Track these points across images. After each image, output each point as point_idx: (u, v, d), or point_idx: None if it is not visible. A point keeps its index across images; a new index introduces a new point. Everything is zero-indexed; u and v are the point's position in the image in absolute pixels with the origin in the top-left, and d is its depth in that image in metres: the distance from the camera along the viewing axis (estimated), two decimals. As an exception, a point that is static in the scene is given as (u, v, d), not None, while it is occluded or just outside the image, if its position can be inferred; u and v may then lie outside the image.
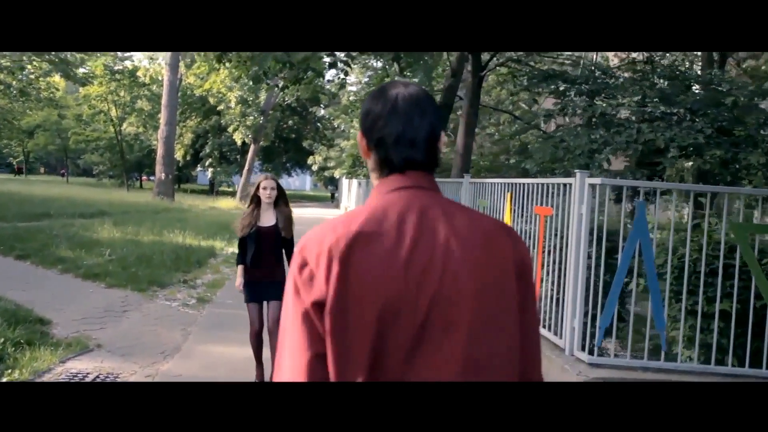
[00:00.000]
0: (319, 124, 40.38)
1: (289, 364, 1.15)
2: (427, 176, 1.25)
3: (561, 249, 4.87)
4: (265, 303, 4.76)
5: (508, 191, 6.12)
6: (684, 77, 9.13)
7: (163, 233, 13.17)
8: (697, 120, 7.59)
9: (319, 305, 1.14)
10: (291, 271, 1.20)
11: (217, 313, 7.19)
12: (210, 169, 37.37)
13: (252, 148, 31.05)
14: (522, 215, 5.98)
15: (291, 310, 1.17)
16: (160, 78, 32.57)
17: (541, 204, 5.45)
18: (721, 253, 4.24)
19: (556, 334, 4.90)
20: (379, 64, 18.33)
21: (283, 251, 4.74)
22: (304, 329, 1.14)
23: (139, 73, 34.20)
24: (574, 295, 4.53)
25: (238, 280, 4.83)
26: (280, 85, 30.49)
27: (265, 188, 4.66)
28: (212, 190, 40.49)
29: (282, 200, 4.70)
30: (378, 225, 1.16)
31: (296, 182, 62.18)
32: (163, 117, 25.29)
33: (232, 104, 30.38)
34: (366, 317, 1.12)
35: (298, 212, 25.94)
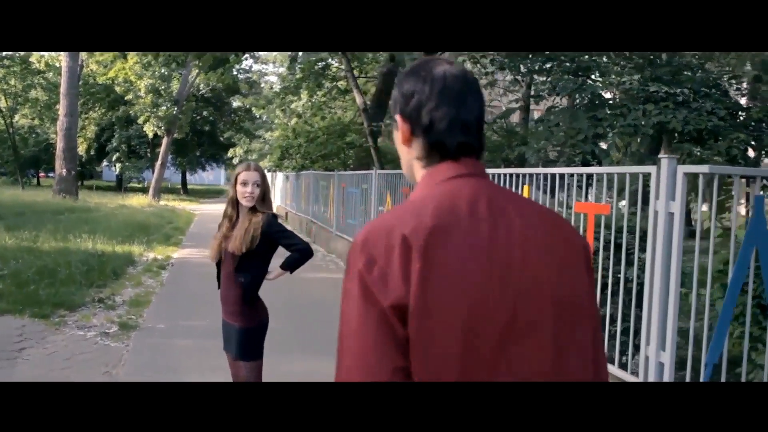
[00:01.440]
0: (234, 116, 38.22)
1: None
2: (480, 163, 1.15)
3: (626, 258, 3.71)
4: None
5: (525, 183, 4.92)
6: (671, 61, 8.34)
7: (68, 239, 11.14)
8: (699, 100, 6.74)
9: (398, 308, 1.00)
10: (353, 271, 1.02)
11: (149, 345, 5.59)
12: (117, 164, 34.43)
13: (165, 140, 28.60)
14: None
15: (360, 316, 1.01)
16: (57, 65, 29.46)
17: (581, 199, 4.30)
18: None
19: (623, 368, 3.76)
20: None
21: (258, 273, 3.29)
22: (380, 338, 0.99)
23: (32, 59, 30.84)
24: (662, 320, 3.38)
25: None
26: (194, 73, 28.31)
27: (245, 183, 3.16)
28: (120, 186, 37.47)
29: (266, 202, 3.24)
30: (451, 217, 1.04)
31: (210, 176, 59.13)
32: (62, 107, 22.58)
33: (142, 93, 27.81)
34: (452, 319, 1.00)
35: (220, 209, 24.22)
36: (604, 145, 6.75)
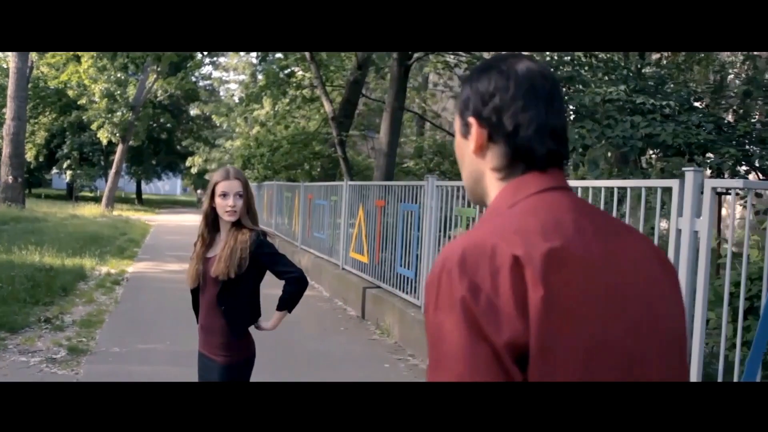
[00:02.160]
0: (192, 124, 37.26)
1: None
2: (564, 175, 1.01)
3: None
4: None
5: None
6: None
7: (12, 251, 10.34)
8: (684, 114, 6.56)
9: (514, 347, 0.83)
10: (451, 299, 0.85)
11: (102, 373, 5.02)
12: (68, 172, 32.99)
13: (120, 148, 27.56)
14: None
15: (468, 359, 0.83)
16: (4, 65, 28.17)
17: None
18: None
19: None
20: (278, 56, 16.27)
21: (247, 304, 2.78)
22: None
23: (-25, 60, 29.50)
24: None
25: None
26: (152, 78, 27.46)
27: (225, 195, 2.65)
28: (71, 195, 36.01)
29: (251, 216, 2.75)
30: (561, 237, 0.89)
31: (166, 186, 57.51)
32: (9, 111, 21.44)
33: (97, 98, 26.73)
34: (575, 358, 0.86)
35: (177, 219, 23.16)
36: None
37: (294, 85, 16.95)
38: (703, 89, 7.42)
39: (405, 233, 6.86)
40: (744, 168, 6.11)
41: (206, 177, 27.80)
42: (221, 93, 35.25)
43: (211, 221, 2.75)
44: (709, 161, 6.12)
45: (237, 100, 23.55)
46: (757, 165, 6.28)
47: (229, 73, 34.05)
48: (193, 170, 27.18)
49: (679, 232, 3.15)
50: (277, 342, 6.15)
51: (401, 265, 6.87)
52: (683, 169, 3.13)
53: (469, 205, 5.40)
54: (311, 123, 18.25)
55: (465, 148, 1.05)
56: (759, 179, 6.12)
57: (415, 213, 6.54)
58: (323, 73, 14.05)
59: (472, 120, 1.02)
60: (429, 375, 0.89)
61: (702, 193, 3.05)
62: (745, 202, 3.77)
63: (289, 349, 5.96)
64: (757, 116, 6.65)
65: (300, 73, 16.93)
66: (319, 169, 16.16)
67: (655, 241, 3.45)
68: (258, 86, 18.12)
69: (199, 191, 43.74)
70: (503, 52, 1.08)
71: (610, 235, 0.95)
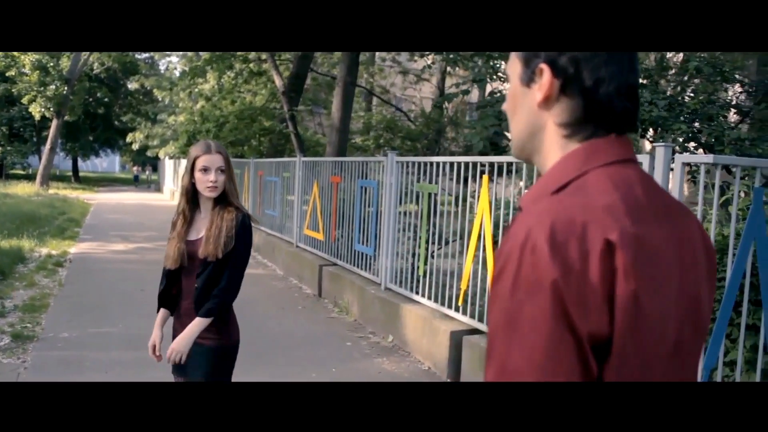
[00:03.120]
0: (131, 98, 35.87)
1: None
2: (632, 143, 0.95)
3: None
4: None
5: (483, 173, 4.56)
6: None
7: (-58, 232, 9.76)
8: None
9: (594, 339, 0.76)
10: (538, 277, 0.75)
11: (53, 360, 4.77)
12: (-3, 149, 31.40)
13: (54, 123, 26.30)
14: (508, 206, 4.47)
15: (550, 344, 0.74)
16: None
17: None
18: None
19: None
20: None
21: (221, 288, 2.57)
22: (575, 375, 0.75)
23: None
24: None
25: (154, 332, 2.74)
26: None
27: (206, 169, 2.50)
28: (1, 173, 34.29)
29: (232, 193, 2.60)
30: (645, 222, 0.82)
31: (104, 164, 55.39)
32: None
33: (27, 70, 25.36)
34: (656, 365, 0.82)
35: (118, 198, 22.38)
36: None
37: (240, 58, 16.47)
38: (650, 66, 7.56)
39: (363, 210, 6.78)
40: (693, 144, 6.27)
41: (147, 153, 26.89)
42: (162, 66, 34.05)
43: (192, 197, 2.59)
44: (662, 138, 6.25)
45: (179, 74, 22.74)
46: (703, 141, 6.46)
47: (169, 45, 32.79)
48: (134, 146, 26.17)
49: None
50: (241, 326, 6.02)
51: (359, 242, 6.81)
52: (654, 144, 3.15)
53: (430, 181, 5.36)
54: (258, 98, 17.80)
55: (524, 97, 0.95)
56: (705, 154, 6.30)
57: (374, 189, 6.47)
58: (271, 46, 13.68)
59: (544, 67, 0.91)
60: (494, 362, 0.80)
61: (672, 168, 3.09)
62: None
63: (247, 330, 5.82)
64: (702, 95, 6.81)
65: (246, 45, 16.45)
66: (267, 145, 15.84)
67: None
68: (202, 59, 17.52)
69: (136, 168, 42.30)
70: None
71: (674, 218, 0.89)
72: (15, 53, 24.96)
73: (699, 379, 3.01)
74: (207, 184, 2.50)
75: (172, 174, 26.00)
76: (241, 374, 4.47)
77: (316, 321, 6.42)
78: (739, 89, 7.60)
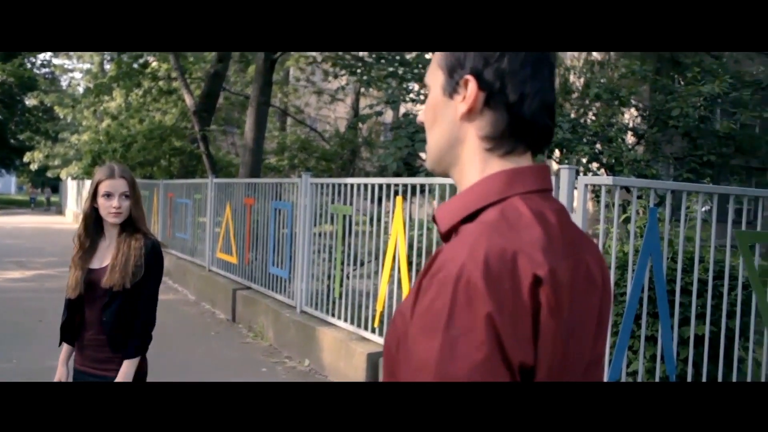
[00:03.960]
0: (29, 115, 33.88)
1: None
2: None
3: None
4: None
5: (396, 194, 4.61)
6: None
7: None
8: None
9: (521, 369, 0.78)
10: (474, 312, 0.76)
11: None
12: None
13: (-59, 142, 24.45)
14: (424, 226, 4.53)
15: (483, 373, 0.76)
16: None
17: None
18: (695, 269, 3.31)
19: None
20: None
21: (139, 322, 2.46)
22: None
23: None
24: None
25: (59, 370, 2.63)
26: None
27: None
28: None
29: (139, 219, 2.48)
30: (566, 254, 0.84)
31: (-1, 185, 52.07)
32: None
33: None
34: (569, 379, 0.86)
35: (14, 221, 20.94)
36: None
37: (149, 75, 15.96)
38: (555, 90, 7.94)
39: (277, 232, 6.68)
40: (595, 165, 6.61)
41: (48, 174, 25.45)
42: (64, 82, 32.43)
43: (93, 223, 2.46)
44: (567, 159, 6.55)
45: (83, 91, 21.76)
46: (604, 162, 6.82)
47: (72, 60, 31.40)
48: (33, 166, 24.67)
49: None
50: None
51: (274, 265, 6.69)
52: (559, 167, 3.29)
53: (344, 202, 5.35)
54: (168, 117, 17.28)
55: (445, 108, 0.94)
56: (607, 175, 6.65)
57: (288, 211, 6.39)
58: (182, 64, 13.35)
59: (470, 79, 0.90)
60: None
61: (576, 188, 3.22)
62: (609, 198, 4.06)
63: (157, 359, 5.57)
64: (603, 117, 7.22)
65: (155, 63, 15.97)
66: (178, 166, 15.36)
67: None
68: (108, 76, 16.84)
69: (32, 190, 39.88)
70: None
71: (580, 251, 0.90)
72: None
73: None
74: (110, 210, 2.40)
75: (76, 196, 24.72)
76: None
77: (230, 347, 6.23)
78: (635, 113, 8.10)
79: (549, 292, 0.79)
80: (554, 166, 7.96)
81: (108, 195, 2.39)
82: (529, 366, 0.78)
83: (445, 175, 0.98)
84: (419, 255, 4.41)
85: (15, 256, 12.32)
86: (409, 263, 4.42)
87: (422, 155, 8.47)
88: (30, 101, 32.95)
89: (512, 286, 0.78)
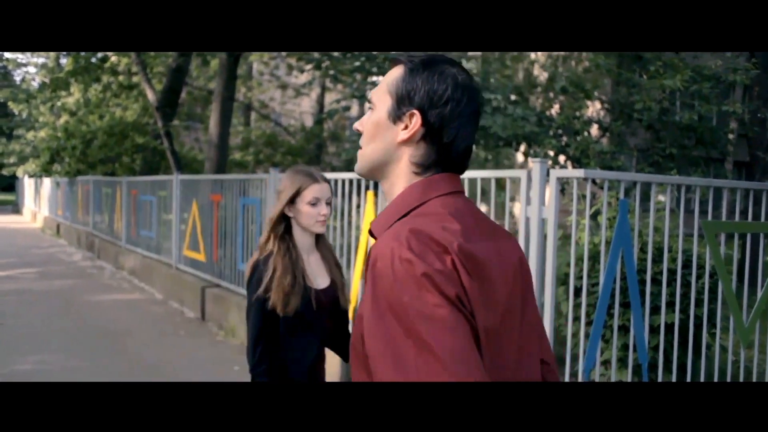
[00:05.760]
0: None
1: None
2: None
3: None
4: None
5: (367, 189, 4.59)
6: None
7: None
8: (509, 107, 7.06)
9: (462, 301, 0.98)
10: (413, 276, 0.95)
11: None
12: None
13: None
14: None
15: (440, 309, 0.95)
16: None
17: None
18: (665, 258, 3.39)
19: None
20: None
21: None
22: (470, 337, 0.97)
23: None
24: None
25: None
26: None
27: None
28: None
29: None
30: (471, 236, 1.03)
31: (-48, 184, 50.08)
32: None
33: None
34: (495, 314, 1.06)
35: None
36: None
37: (108, 70, 15.57)
38: (520, 83, 8.02)
39: (245, 228, 6.60)
40: (563, 157, 6.70)
41: (3, 172, 24.69)
42: (17, 77, 31.43)
43: (284, 232, 2.23)
44: (534, 152, 6.62)
45: (38, 86, 21.12)
46: (571, 155, 6.92)
47: (26, 54, 30.40)
48: (-11, 164, 23.93)
49: (527, 220, 3.33)
50: (109, 353, 5.61)
51: (243, 261, 6.60)
52: (531, 160, 3.31)
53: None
54: (129, 113, 16.90)
55: (387, 129, 1.10)
56: (573, 167, 6.74)
57: (257, 207, 6.31)
58: (143, 59, 13.06)
59: (416, 113, 1.06)
60: (400, 366, 0.93)
61: (548, 182, 3.26)
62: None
63: (126, 361, 5.46)
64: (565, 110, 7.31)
65: (114, 58, 15.58)
66: (140, 163, 15.04)
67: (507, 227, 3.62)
68: (65, 71, 16.38)
69: None
70: (447, 56, 1.13)
71: (495, 236, 1.10)
72: None
73: (580, 380, 3.19)
74: (318, 218, 2.20)
75: (33, 194, 24.03)
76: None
77: (200, 346, 6.14)
78: (599, 106, 8.23)
79: (463, 260, 0.97)
80: (520, 157, 8.00)
81: (315, 202, 2.20)
82: (467, 305, 0.97)
83: (373, 179, 1.16)
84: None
85: (-29, 258, 11.92)
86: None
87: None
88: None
89: (436, 255, 0.96)
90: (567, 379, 3.29)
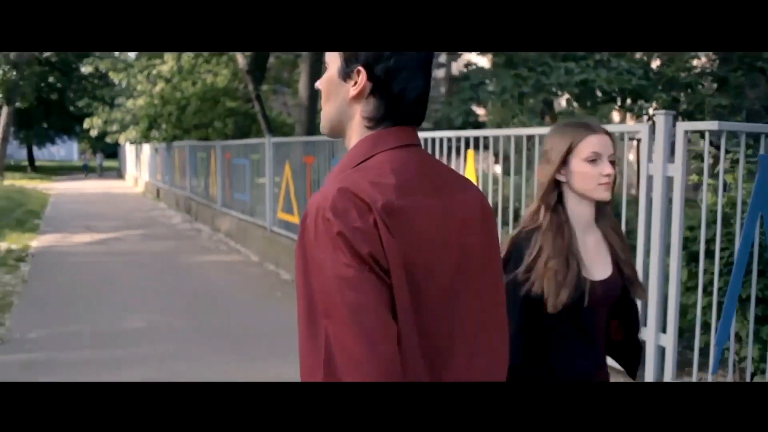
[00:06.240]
0: (86, 82, 34.57)
1: None
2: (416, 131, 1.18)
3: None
4: None
5: (468, 146, 4.39)
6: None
7: None
8: (613, 60, 6.58)
9: (379, 260, 1.03)
10: (330, 234, 1.00)
11: (23, 363, 4.49)
12: (-54, 139, 29.98)
13: (5, 111, 25.19)
14: (496, 181, 4.31)
15: (348, 265, 1.01)
16: None
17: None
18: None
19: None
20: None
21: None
22: (376, 290, 1.05)
23: None
24: (662, 299, 3.02)
25: None
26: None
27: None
28: (-48, 165, 32.86)
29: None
30: (406, 192, 1.06)
31: (61, 151, 53.52)
32: None
33: (-28, 56, 24.20)
34: (424, 296, 1.08)
35: (78, 186, 21.48)
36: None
37: (199, 37, 15.87)
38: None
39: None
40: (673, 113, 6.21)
41: (107, 140, 26.08)
42: (116, 48, 32.71)
43: (553, 201, 1.72)
44: (639, 107, 6.17)
45: (134, 55, 21.95)
46: (682, 110, 6.40)
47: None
48: (93, 132, 25.26)
49: (650, 178, 3.06)
50: (208, 315, 5.78)
51: (337, 225, 6.59)
52: (654, 112, 3.02)
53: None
54: (219, 78, 17.28)
55: (339, 87, 1.13)
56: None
57: (350, 169, 6.25)
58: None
59: (361, 69, 1.09)
60: (302, 301, 1.02)
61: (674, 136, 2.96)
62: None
63: (225, 323, 5.61)
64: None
65: (205, 24, 15.87)
66: (232, 127, 15.40)
67: (623, 188, 3.33)
68: (159, 39, 16.85)
69: (84, 155, 40.59)
70: None
71: (445, 191, 1.11)
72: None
73: (712, 355, 2.92)
74: (601, 180, 1.65)
75: (134, 160, 25.26)
76: (223, 368, 4.29)
77: (295, 307, 6.22)
78: (713, 56, 7.56)
79: (385, 218, 1.00)
80: (616, 116, 7.50)
81: (595, 158, 1.65)
82: (383, 263, 0.99)
83: (336, 137, 1.19)
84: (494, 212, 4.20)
85: (82, 221, 12.67)
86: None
87: (480, 110, 8.17)
88: (85, 68, 33.68)
89: (358, 214, 0.99)
90: (697, 353, 3.02)
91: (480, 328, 1.13)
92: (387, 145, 1.10)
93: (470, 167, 4.32)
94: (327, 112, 1.17)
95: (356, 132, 1.13)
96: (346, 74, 1.12)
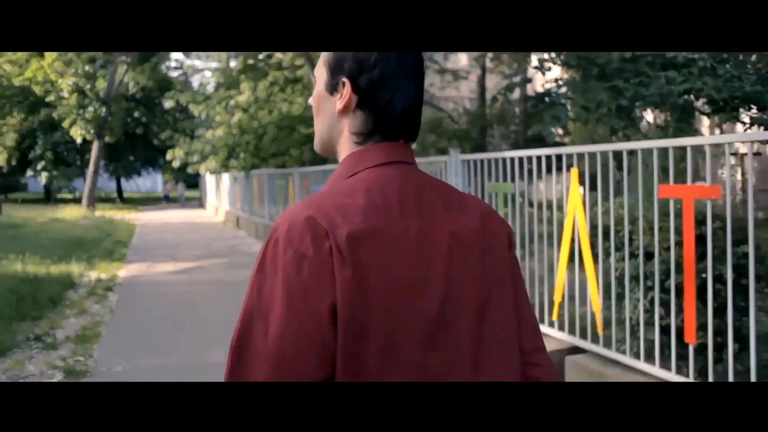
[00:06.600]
0: (168, 115, 36.09)
1: None
2: (410, 147, 1.11)
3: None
4: None
5: (571, 165, 4.01)
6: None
7: (-9, 262, 9.63)
8: (715, 65, 6.02)
9: (331, 311, 0.98)
10: (275, 262, 0.97)
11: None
12: (44, 174, 31.75)
13: (95, 145, 26.48)
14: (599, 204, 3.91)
15: (283, 312, 0.99)
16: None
17: (666, 182, 3.43)
18: None
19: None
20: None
21: None
22: (305, 342, 1.02)
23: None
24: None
25: None
26: (122, 70, 26.45)
27: None
28: (49, 197, 34.94)
29: None
30: (382, 216, 0.99)
31: (147, 183, 56.00)
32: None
33: (65, 94, 25.55)
34: (379, 330, 0.99)
35: (162, 217, 22.20)
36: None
37: (274, 66, 16.18)
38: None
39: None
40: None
41: (188, 170, 26.98)
42: (195, 82, 34.17)
43: None
44: (752, 116, 5.60)
45: (212, 88, 22.65)
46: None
47: (201, 59, 32.96)
48: (175, 164, 26.24)
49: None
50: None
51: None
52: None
53: (504, 180, 4.81)
54: (294, 107, 17.51)
55: (326, 102, 1.08)
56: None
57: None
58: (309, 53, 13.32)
59: (346, 81, 1.04)
60: (243, 316, 0.97)
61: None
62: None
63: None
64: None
65: (280, 54, 16.16)
66: (308, 154, 15.49)
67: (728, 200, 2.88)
68: (235, 70, 17.29)
69: (166, 186, 42.20)
70: None
71: (432, 212, 1.02)
72: (53, 78, 25.28)
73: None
74: None
75: (214, 189, 25.96)
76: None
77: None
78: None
79: (342, 246, 0.93)
80: (706, 121, 6.90)
81: None
82: (334, 305, 0.93)
83: (333, 157, 1.11)
84: (604, 235, 3.79)
85: (166, 250, 12.93)
86: (592, 246, 3.83)
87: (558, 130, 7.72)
88: (168, 102, 35.18)
89: (311, 240, 0.94)
90: None
91: (483, 354, 1.03)
92: (370, 163, 1.04)
93: (574, 186, 3.94)
94: (317, 129, 1.13)
95: (345, 148, 1.08)
96: (332, 87, 1.07)
